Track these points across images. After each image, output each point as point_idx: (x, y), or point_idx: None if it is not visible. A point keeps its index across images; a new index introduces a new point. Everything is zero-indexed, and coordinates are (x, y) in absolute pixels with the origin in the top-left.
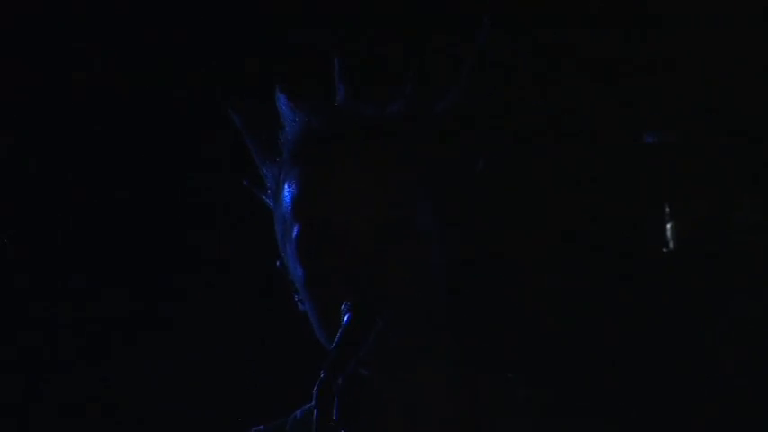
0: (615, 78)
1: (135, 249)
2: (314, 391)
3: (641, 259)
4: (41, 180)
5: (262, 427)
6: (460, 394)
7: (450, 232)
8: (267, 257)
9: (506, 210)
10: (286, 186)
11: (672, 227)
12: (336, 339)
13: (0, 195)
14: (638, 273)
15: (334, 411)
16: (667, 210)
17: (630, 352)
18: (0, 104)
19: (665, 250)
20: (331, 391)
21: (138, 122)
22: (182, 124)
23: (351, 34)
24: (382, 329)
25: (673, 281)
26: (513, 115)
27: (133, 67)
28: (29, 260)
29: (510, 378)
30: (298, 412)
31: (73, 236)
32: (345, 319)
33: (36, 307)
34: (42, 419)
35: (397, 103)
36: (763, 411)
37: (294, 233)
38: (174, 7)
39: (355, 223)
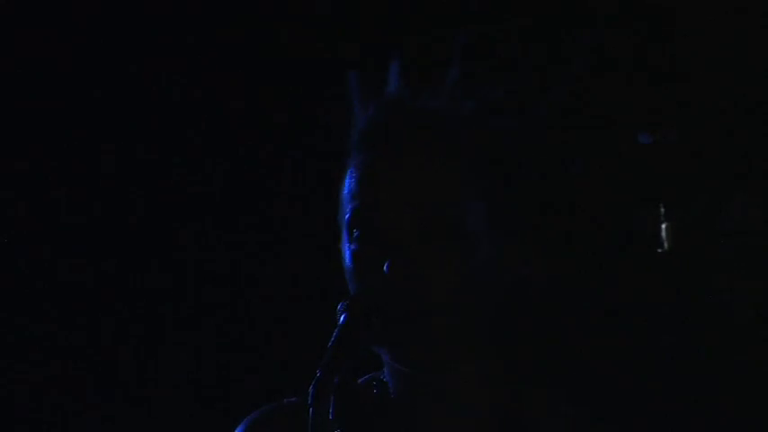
0: (612, 78)
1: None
2: (310, 390)
3: (636, 260)
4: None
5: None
6: (499, 403)
7: (502, 236)
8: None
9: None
10: (348, 174)
11: (667, 227)
12: (332, 339)
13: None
14: (633, 273)
15: (330, 410)
16: (663, 210)
17: (631, 356)
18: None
19: (659, 251)
20: (327, 390)
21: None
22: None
23: (424, 26)
24: (413, 328)
25: (668, 282)
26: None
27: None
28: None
29: (551, 394)
30: None
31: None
32: (341, 318)
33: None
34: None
35: (460, 99)
36: (762, 411)
37: (345, 218)
38: None
39: (401, 217)
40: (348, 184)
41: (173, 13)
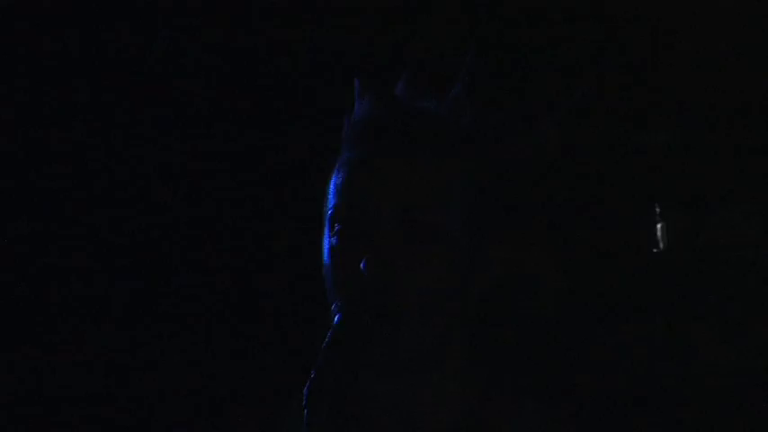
0: (610, 78)
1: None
2: (304, 392)
3: (632, 260)
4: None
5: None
6: (468, 403)
7: (482, 240)
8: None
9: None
10: (336, 170)
11: (662, 227)
12: (327, 340)
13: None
14: (628, 274)
15: (324, 412)
16: (658, 210)
17: (626, 356)
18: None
19: (655, 251)
20: (321, 391)
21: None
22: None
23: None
24: (386, 329)
25: (664, 281)
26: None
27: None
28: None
29: (518, 391)
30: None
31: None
32: (336, 319)
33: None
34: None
35: (463, 108)
36: (761, 410)
37: (329, 211)
38: None
39: (383, 215)
40: (335, 179)
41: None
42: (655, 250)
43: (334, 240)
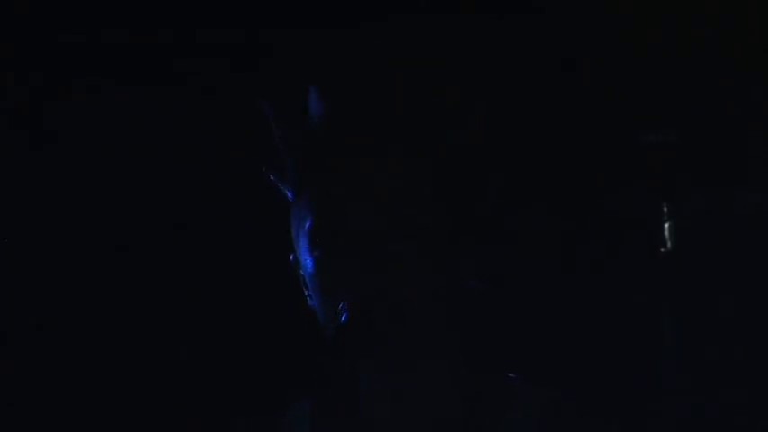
0: (612, 77)
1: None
2: (312, 390)
3: (638, 259)
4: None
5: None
6: (461, 394)
7: (461, 235)
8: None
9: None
10: (308, 180)
11: (669, 226)
12: (333, 339)
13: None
14: (633, 273)
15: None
16: (665, 209)
17: (629, 352)
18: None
19: (662, 250)
20: (330, 388)
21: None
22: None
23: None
24: (382, 327)
25: (670, 281)
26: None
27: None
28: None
29: (511, 378)
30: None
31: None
32: (342, 318)
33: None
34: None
35: (420, 106)
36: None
37: (307, 225)
38: None
39: (365, 221)
40: (310, 191)
41: None
42: (662, 249)
43: (318, 251)
